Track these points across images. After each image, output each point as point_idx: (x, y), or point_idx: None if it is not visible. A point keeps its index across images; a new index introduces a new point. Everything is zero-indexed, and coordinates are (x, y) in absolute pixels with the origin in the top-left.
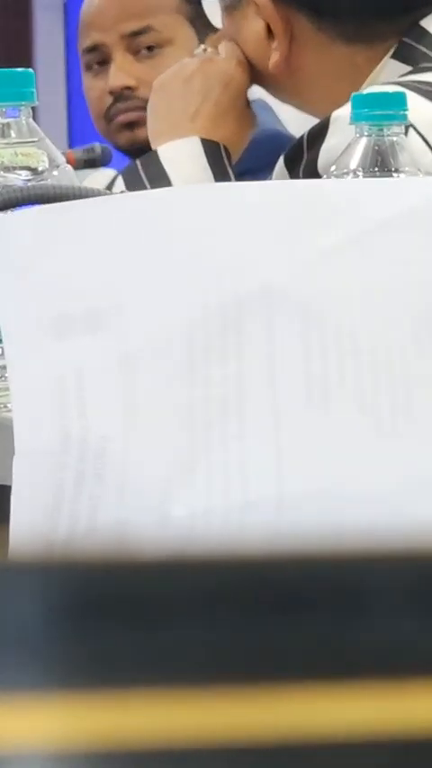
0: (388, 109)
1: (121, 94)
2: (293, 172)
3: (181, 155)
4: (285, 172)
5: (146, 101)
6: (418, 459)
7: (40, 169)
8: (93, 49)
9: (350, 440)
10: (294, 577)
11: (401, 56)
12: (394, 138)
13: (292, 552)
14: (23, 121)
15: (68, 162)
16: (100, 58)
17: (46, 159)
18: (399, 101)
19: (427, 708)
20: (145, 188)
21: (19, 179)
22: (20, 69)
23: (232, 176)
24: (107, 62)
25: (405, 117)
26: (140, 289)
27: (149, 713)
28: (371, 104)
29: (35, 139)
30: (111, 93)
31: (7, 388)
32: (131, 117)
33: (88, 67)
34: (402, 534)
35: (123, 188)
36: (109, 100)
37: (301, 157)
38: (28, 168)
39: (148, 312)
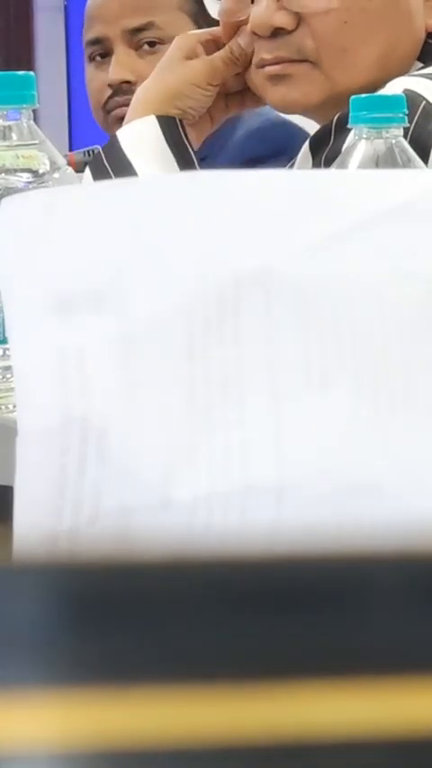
0: (387, 111)
1: (119, 88)
2: (318, 156)
3: (139, 136)
4: (309, 156)
5: None
6: (417, 446)
7: (41, 172)
8: (96, 41)
9: (349, 425)
10: (295, 577)
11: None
12: (393, 141)
13: (293, 552)
14: (24, 124)
15: (69, 164)
16: (102, 51)
17: (47, 162)
18: (398, 103)
19: (428, 708)
20: (109, 175)
21: (20, 181)
22: (21, 72)
23: (192, 151)
24: (109, 55)
25: (404, 119)
26: (141, 271)
27: (150, 712)
28: (370, 107)
29: (36, 142)
30: (110, 85)
31: (8, 390)
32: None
33: (91, 59)
34: (402, 533)
35: (91, 179)
36: (108, 92)
37: (327, 142)
38: (29, 171)
39: (149, 294)
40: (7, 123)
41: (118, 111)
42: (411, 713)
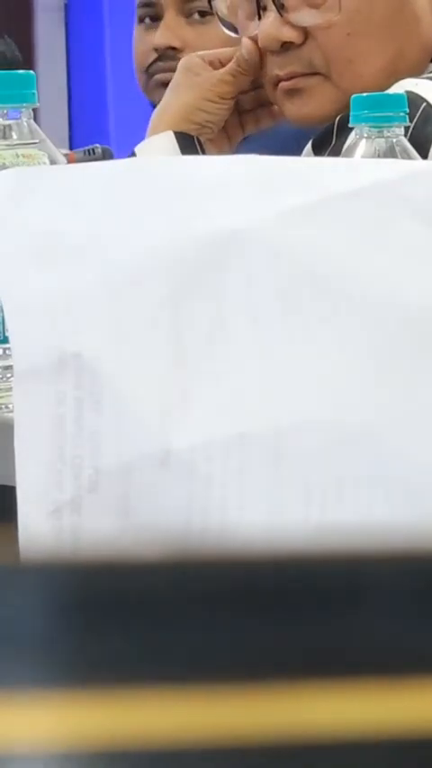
0: (388, 110)
1: (164, 53)
2: (320, 156)
3: (155, 151)
4: (312, 156)
5: None
6: (399, 397)
7: None
8: (148, 4)
9: (338, 373)
10: (294, 577)
11: None
12: (394, 140)
13: (292, 552)
14: (25, 123)
15: (69, 163)
16: (153, 14)
17: (47, 161)
18: (398, 102)
19: (428, 708)
20: None
21: None
22: (21, 71)
23: None
24: (159, 19)
25: (405, 118)
26: (118, 231)
27: (150, 712)
28: (371, 106)
29: (36, 141)
30: (155, 49)
31: (8, 389)
32: (169, 77)
33: (141, 20)
34: (402, 534)
35: None
36: (153, 56)
37: (330, 142)
38: None
39: (127, 250)
40: (7, 122)
41: (160, 76)
42: (411, 713)
